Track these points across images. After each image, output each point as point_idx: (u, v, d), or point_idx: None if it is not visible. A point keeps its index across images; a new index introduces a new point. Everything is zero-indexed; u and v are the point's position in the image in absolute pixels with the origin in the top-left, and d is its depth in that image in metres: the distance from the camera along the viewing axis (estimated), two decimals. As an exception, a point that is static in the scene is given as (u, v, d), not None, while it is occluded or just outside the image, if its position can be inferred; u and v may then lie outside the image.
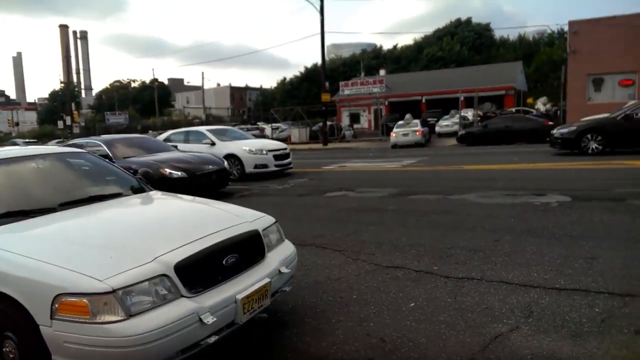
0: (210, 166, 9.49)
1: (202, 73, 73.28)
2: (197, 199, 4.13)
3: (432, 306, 3.48)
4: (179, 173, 8.73)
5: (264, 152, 12.43)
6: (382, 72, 47.80)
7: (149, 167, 8.72)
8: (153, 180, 8.25)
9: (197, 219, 3.38)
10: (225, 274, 2.76)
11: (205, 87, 71.74)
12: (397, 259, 4.63)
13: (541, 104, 33.81)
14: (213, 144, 12.64)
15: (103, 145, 9.38)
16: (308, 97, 52.50)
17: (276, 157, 12.54)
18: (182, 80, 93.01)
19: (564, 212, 6.10)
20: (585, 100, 25.38)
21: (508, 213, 6.32)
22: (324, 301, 3.74)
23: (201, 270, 2.64)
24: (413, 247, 4.98)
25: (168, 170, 8.72)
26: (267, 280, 2.93)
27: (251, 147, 12.47)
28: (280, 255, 3.26)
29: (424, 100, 40.10)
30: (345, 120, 43.72)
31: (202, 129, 13.83)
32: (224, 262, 2.77)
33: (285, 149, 13.32)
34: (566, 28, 28.23)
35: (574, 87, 26.27)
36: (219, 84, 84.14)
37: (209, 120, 55.69)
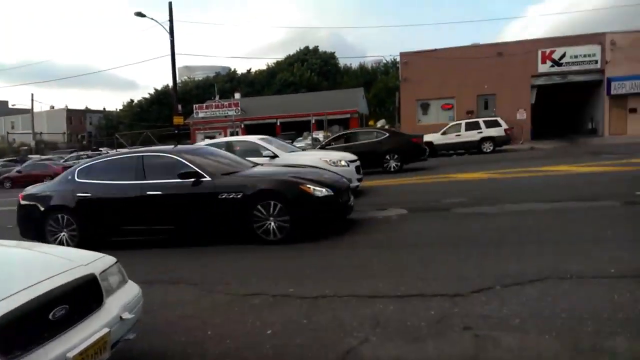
0: (344, 180, 7.49)
1: (32, 94, 63.98)
2: (22, 243, 3.57)
3: (288, 330, 3.49)
4: (324, 190, 6.40)
5: (344, 163, 10.03)
6: (237, 95, 47.93)
7: (280, 183, 6.48)
8: (287, 201, 6.20)
9: (16, 268, 2.88)
10: (53, 330, 2.39)
11: (36, 109, 63.13)
12: (254, 285, 4.57)
13: (380, 126, 37.50)
14: (275, 156, 10.10)
15: (182, 160, 6.71)
16: (159, 120, 49.99)
17: (356, 170, 10.36)
18: (6, 102, 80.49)
19: (403, 223, 6.76)
20: (416, 122, 28.98)
21: (356, 229, 6.77)
22: (176, 343, 3.48)
23: (20, 330, 2.24)
24: (270, 272, 4.99)
25: (312, 187, 6.35)
26: (105, 330, 2.62)
27: (329, 157, 10.08)
28: (121, 300, 2.95)
29: (278, 123, 41.22)
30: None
31: (253, 138, 11.20)
32: (50, 317, 2.40)
33: (358, 159, 11.02)
34: (399, 59, 31.91)
35: (406, 110, 29.86)
36: (53, 107, 74.92)
37: (40, 147, 49.07)
